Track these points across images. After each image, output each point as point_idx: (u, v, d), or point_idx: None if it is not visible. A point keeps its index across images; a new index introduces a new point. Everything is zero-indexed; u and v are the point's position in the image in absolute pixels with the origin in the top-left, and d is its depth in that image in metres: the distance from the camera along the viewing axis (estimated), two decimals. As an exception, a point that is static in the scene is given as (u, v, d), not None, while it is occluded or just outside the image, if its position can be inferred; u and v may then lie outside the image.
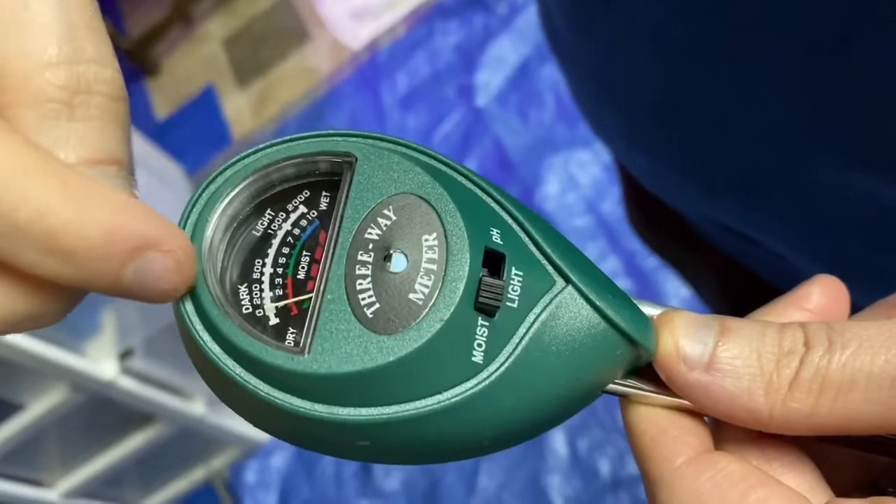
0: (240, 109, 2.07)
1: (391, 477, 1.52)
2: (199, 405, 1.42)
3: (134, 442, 1.39)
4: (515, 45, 1.83)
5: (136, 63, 2.26)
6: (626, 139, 0.51)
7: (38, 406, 1.19)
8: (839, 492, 0.27)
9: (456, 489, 1.48)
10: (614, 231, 1.56)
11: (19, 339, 1.06)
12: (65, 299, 0.23)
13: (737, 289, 0.63)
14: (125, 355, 1.26)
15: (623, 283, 1.53)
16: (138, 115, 2.18)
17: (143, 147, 1.72)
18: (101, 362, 1.21)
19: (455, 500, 1.47)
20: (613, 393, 0.28)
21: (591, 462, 1.42)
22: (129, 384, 1.24)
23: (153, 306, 1.29)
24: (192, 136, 2.15)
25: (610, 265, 1.54)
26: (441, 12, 1.95)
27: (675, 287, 1.46)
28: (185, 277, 0.24)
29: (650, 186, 0.55)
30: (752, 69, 0.37)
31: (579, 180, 1.64)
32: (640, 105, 0.46)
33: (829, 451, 0.29)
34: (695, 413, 0.28)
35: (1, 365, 1.08)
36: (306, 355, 0.24)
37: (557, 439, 1.45)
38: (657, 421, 0.27)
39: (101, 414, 1.29)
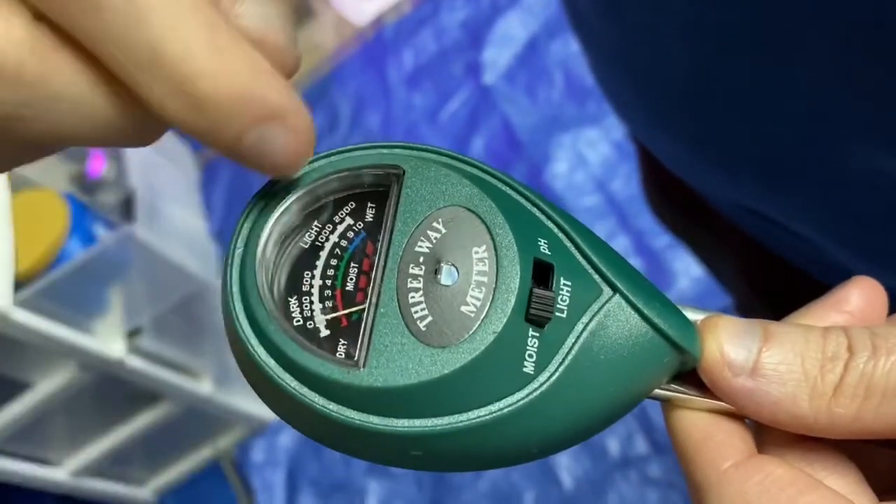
0: (244, 86, 2.05)
1: (399, 456, 1.53)
2: (207, 384, 1.42)
3: (142, 421, 1.39)
4: (524, 21, 1.81)
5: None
6: (651, 122, 0.51)
7: (46, 385, 1.19)
8: (877, 492, 0.27)
9: (464, 468, 1.48)
10: (624, 210, 1.55)
11: (27, 318, 1.06)
12: (160, 130, 0.24)
13: (756, 269, 0.63)
14: (133, 334, 1.26)
15: (632, 262, 1.51)
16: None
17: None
18: (109, 341, 1.21)
19: (464, 480, 1.47)
20: (657, 398, 0.28)
21: (601, 441, 1.42)
22: (136, 363, 1.24)
23: (160, 286, 1.29)
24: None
25: (620, 244, 1.54)
26: (447, -12, 1.93)
27: (686, 266, 1.46)
28: (302, 157, 0.25)
29: (672, 168, 0.55)
30: (786, 56, 0.37)
31: (588, 159, 1.63)
32: (666, 90, 0.46)
33: (867, 451, 0.29)
34: (737, 416, 0.28)
35: (8, 344, 1.08)
36: (362, 369, 0.24)
37: (565, 418, 1.45)
38: (701, 425, 0.28)
39: (108, 393, 1.30)
